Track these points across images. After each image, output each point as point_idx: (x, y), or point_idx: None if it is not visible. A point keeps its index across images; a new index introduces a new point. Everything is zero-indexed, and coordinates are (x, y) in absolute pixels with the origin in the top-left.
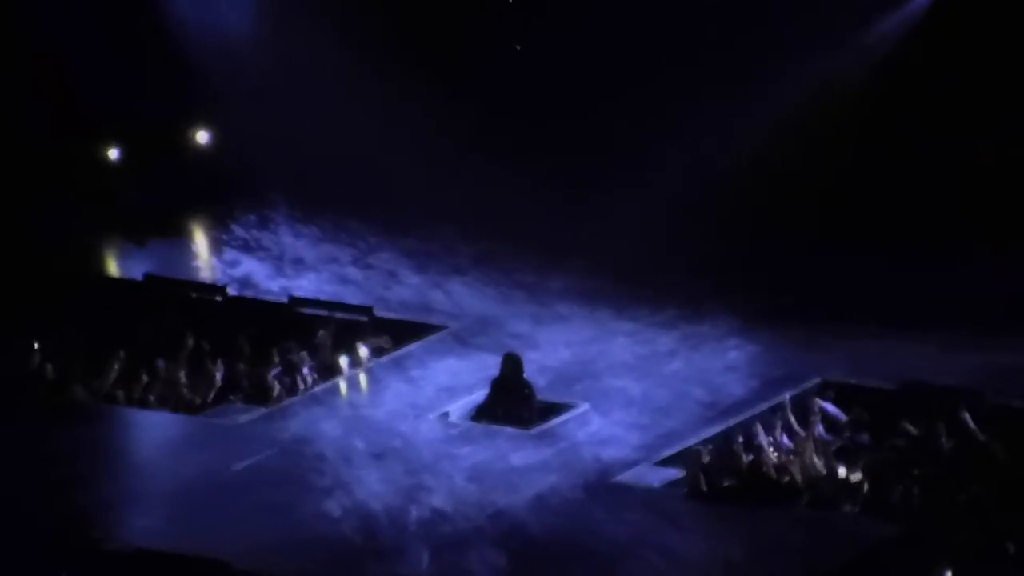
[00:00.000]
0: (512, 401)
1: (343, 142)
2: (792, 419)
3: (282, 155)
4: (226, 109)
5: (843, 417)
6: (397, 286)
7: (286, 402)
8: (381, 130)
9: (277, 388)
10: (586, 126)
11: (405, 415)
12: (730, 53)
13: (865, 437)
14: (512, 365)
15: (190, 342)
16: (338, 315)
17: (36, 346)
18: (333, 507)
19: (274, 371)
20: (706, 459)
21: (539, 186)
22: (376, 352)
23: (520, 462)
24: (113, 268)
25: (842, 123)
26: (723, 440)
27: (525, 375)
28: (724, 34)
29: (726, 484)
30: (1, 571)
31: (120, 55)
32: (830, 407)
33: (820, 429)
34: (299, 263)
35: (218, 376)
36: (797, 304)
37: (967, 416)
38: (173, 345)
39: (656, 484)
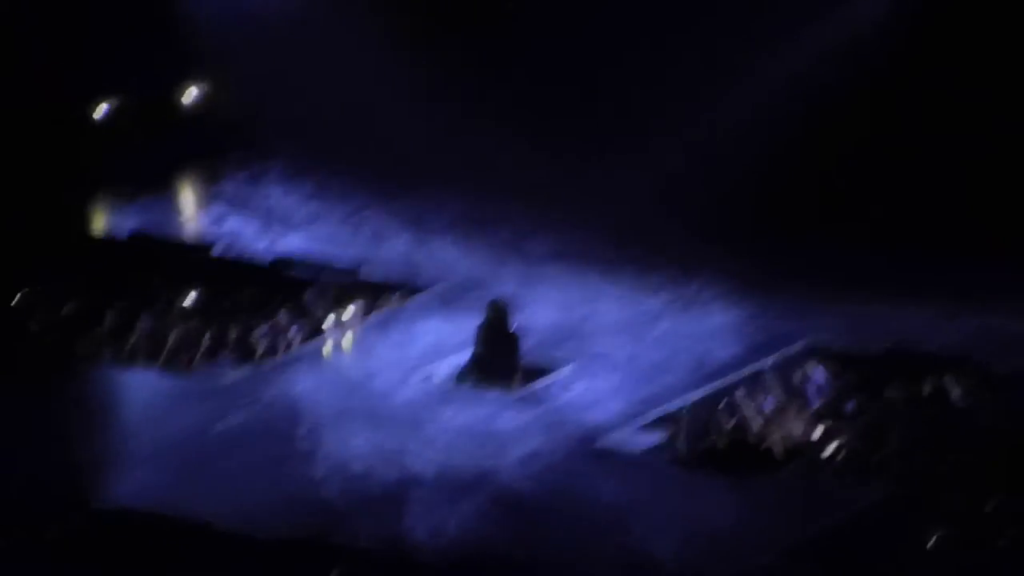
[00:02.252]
0: (497, 349)
1: (333, 101)
2: (777, 383)
3: (274, 112)
4: (218, 65)
5: (828, 382)
6: (384, 246)
7: (271, 361)
8: (371, 89)
9: (261, 347)
10: (581, 87)
11: (389, 376)
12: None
13: (851, 402)
14: (498, 312)
15: (177, 300)
16: (324, 275)
17: (22, 298)
18: (316, 468)
19: (260, 330)
20: (689, 424)
21: (532, 146)
22: (365, 312)
23: (504, 424)
24: (102, 225)
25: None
26: (707, 404)
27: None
28: None
29: (710, 449)
30: None
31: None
32: (816, 371)
33: (807, 393)
34: (287, 221)
35: (206, 336)
36: (787, 268)
37: (954, 382)
38: (160, 303)
39: (640, 448)
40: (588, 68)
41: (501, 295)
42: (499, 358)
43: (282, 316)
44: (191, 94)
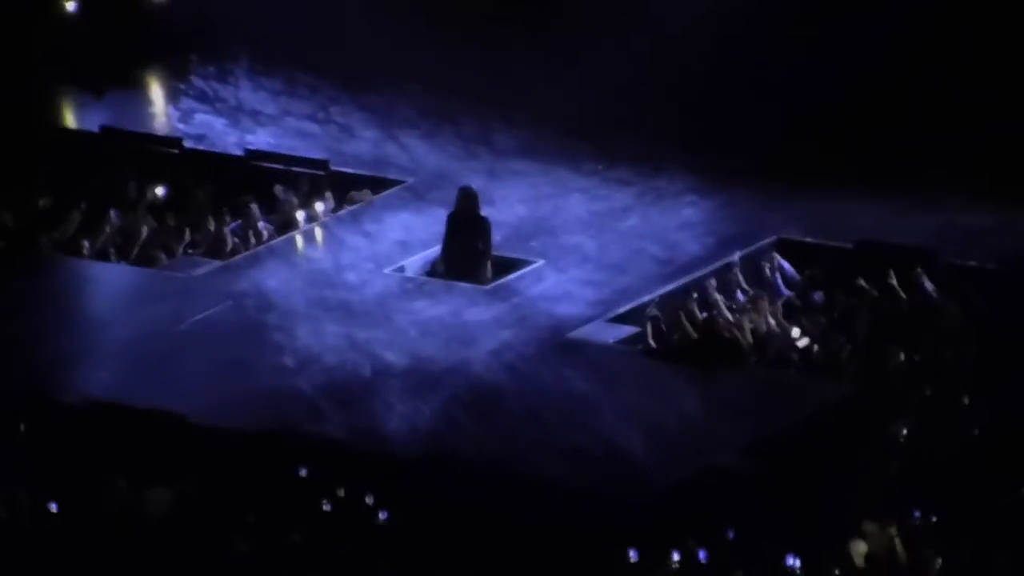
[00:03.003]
0: (468, 236)
1: None
2: (742, 277)
3: (241, 7)
4: None
5: (797, 276)
6: (353, 140)
7: (241, 256)
8: None
9: (231, 242)
10: None
11: (360, 269)
12: None
13: (819, 295)
14: (467, 199)
15: (148, 194)
16: (294, 168)
17: None
18: (286, 361)
19: (230, 225)
20: (659, 316)
21: (501, 43)
22: (335, 206)
23: (475, 317)
24: (70, 120)
25: None
26: (677, 297)
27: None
28: None
29: (679, 341)
30: None
31: None
32: (786, 265)
33: (776, 286)
34: (256, 115)
35: (186, 233)
36: (756, 163)
37: (922, 275)
38: (130, 197)
39: (610, 340)
40: None
41: (469, 183)
42: (469, 244)
43: (252, 211)
44: None
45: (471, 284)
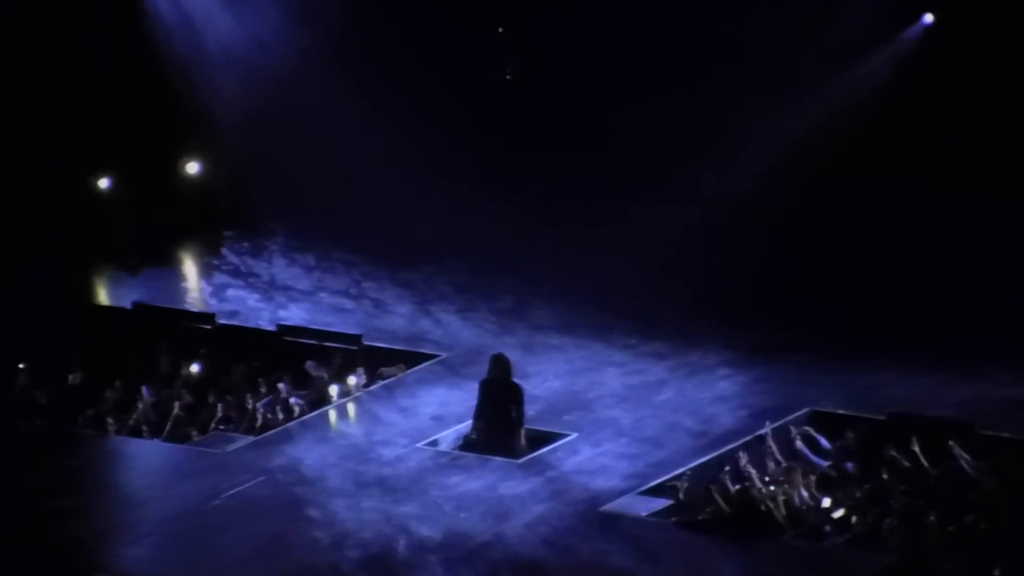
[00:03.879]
0: (502, 404)
1: (336, 173)
2: (776, 449)
3: (274, 185)
4: (218, 138)
5: (831, 448)
6: (387, 315)
7: (273, 431)
8: (372, 161)
9: (262, 417)
10: (581, 160)
11: (395, 444)
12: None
13: (851, 466)
14: (500, 366)
15: (182, 370)
16: (327, 344)
17: (23, 369)
18: (322, 536)
19: (262, 401)
20: (692, 489)
21: (532, 218)
22: (368, 381)
23: (509, 491)
24: (104, 297)
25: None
26: (711, 469)
27: (514, 377)
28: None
29: (714, 514)
30: None
31: (111, 84)
32: (820, 438)
33: (808, 458)
34: (289, 292)
35: (220, 407)
36: (789, 337)
37: (958, 447)
38: (163, 374)
39: (645, 513)
40: (584, 139)
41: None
42: (503, 410)
43: (285, 386)
44: (193, 166)
45: (505, 458)
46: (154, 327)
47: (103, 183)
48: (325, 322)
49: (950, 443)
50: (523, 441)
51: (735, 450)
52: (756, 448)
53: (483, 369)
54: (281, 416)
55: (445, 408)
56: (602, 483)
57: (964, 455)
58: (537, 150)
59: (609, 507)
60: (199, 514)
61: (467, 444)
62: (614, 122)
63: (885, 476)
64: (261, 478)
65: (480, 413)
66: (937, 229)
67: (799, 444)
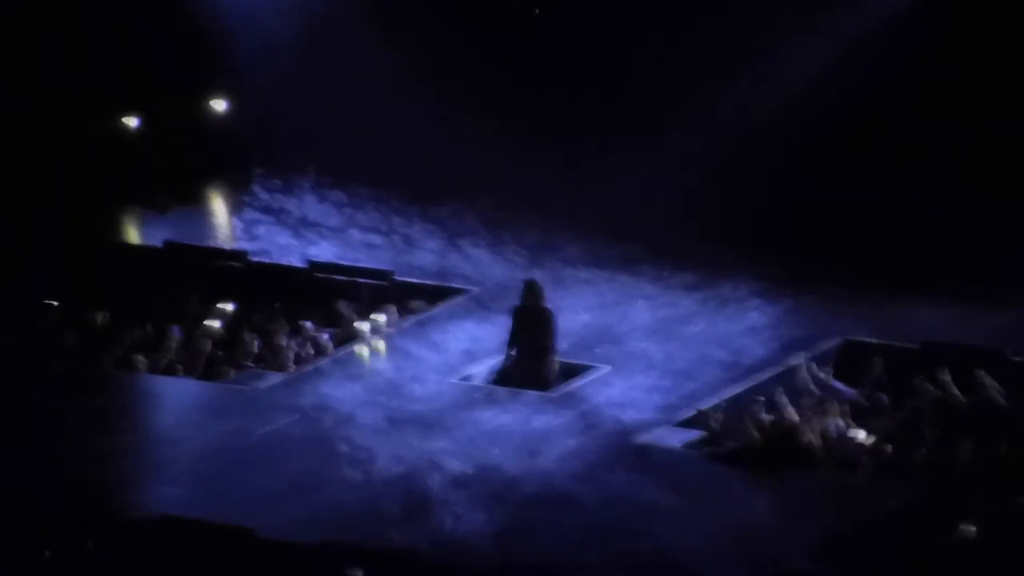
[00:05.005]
0: (534, 329)
1: (364, 110)
2: (811, 380)
3: (303, 122)
4: (246, 76)
5: (863, 378)
6: (417, 251)
7: (306, 368)
8: (403, 98)
9: (293, 354)
10: (608, 92)
11: (426, 379)
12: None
13: (885, 397)
14: (533, 292)
15: (211, 310)
16: (358, 280)
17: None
18: (355, 473)
19: (294, 338)
20: (725, 421)
21: (561, 152)
22: (399, 317)
23: (541, 425)
24: (134, 236)
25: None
26: (743, 401)
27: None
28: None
29: (746, 446)
30: (27, 544)
31: (138, 23)
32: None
33: (841, 389)
34: (319, 229)
35: (255, 343)
36: (820, 267)
37: (987, 376)
38: (194, 312)
39: (677, 445)
40: (613, 76)
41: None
42: (535, 336)
43: (312, 324)
44: (222, 104)
45: (537, 390)
46: (185, 266)
47: (132, 122)
48: (355, 258)
49: (979, 372)
50: (556, 367)
51: (767, 381)
52: (788, 380)
53: (512, 303)
54: (312, 352)
55: (476, 343)
56: (634, 415)
57: (992, 383)
58: (564, 82)
59: (641, 439)
60: (232, 453)
61: (500, 377)
62: (637, 53)
63: (917, 407)
64: (296, 416)
65: (513, 340)
66: (967, 161)
67: (832, 377)
